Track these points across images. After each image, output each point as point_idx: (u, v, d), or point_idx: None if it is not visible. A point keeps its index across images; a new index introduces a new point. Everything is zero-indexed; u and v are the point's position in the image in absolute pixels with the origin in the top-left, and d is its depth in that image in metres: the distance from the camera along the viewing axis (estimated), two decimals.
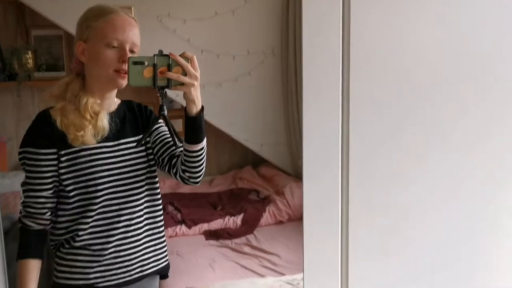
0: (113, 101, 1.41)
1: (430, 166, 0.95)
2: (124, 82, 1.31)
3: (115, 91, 1.40)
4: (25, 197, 1.36)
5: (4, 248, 0.84)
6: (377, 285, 0.93)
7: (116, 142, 1.37)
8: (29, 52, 2.95)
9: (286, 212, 2.78)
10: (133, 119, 1.44)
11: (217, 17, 3.19)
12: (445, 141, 0.94)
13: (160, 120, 1.40)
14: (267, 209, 2.78)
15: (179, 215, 2.74)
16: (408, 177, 0.94)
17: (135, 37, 1.33)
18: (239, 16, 3.22)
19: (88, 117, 1.33)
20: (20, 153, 1.35)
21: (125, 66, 1.28)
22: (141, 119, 1.45)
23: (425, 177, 0.94)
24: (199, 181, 1.41)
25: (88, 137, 1.33)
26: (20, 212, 1.37)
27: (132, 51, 1.32)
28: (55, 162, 1.33)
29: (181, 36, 3.12)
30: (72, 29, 2.94)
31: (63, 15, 2.95)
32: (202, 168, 1.39)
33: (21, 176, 1.43)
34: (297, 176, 3.22)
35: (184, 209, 2.78)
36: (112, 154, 1.37)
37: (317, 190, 0.90)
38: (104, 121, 1.35)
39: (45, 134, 1.33)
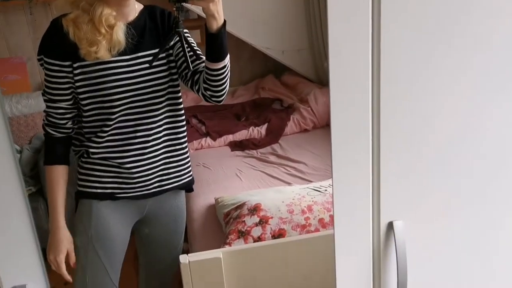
0: (132, 9, 1.33)
1: None
2: None
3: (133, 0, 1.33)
4: (46, 106, 1.36)
5: (20, 168, 0.83)
6: (410, 183, 0.90)
7: (133, 56, 1.32)
8: None
9: (310, 120, 2.75)
10: (154, 29, 1.35)
11: None
12: None
13: (185, 30, 1.32)
14: (291, 118, 2.75)
15: (203, 128, 2.74)
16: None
17: None
18: None
19: (103, 30, 1.27)
20: (38, 60, 1.33)
21: None
22: (162, 29, 1.36)
23: None
24: (222, 100, 1.36)
25: (102, 52, 1.28)
26: (43, 120, 1.38)
27: None
28: (70, 74, 1.30)
29: None
30: None
31: None
32: (226, 87, 1.34)
33: None
34: (321, 82, 3.14)
35: (208, 122, 2.78)
36: (129, 69, 1.33)
37: (345, 96, 0.85)
38: (120, 35, 1.29)
39: (58, 44, 1.28)
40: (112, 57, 1.30)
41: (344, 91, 0.84)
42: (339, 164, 0.87)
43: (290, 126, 2.73)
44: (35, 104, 2.74)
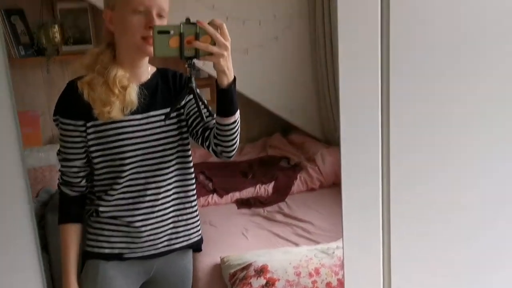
0: (145, 71, 1.38)
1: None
2: (151, 51, 1.27)
3: (146, 60, 1.37)
4: (61, 165, 1.39)
5: (35, 218, 0.85)
6: (420, 252, 0.90)
7: (145, 115, 1.35)
8: (56, 26, 2.95)
9: (317, 179, 2.75)
10: (165, 89, 1.39)
11: None
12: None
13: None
14: (298, 176, 2.76)
15: (210, 184, 2.75)
16: (453, 146, 0.89)
17: (163, 2, 1.28)
18: None
19: (116, 91, 1.31)
20: (54, 120, 1.37)
21: (151, 33, 1.23)
22: (174, 90, 1.40)
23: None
24: (233, 155, 1.37)
25: (115, 112, 1.31)
26: (59, 179, 1.40)
27: (160, 16, 1.27)
28: (84, 133, 1.33)
29: (206, 3, 3.06)
30: (96, 1, 2.93)
31: None
32: (236, 142, 1.35)
33: (55, 149, 1.45)
34: (327, 142, 3.17)
35: (215, 178, 2.79)
36: (140, 128, 1.36)
37: (356, 158, 0.86)
38: (132, 95, 1.32)
39: (73, 105, 1.32)
40: (125, 116, 1.33)
41: (354, 154, 0.85)
42: (350, 231, 0.87)
43: (297, 185, 2.73)
44: (45, 157, 2.78)
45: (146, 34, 1.27)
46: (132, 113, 1.34)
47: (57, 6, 3.09)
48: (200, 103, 1.32)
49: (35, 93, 2.99)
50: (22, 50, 2.93)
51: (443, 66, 0.85)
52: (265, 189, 2.70)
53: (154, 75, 1.41)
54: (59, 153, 1.38)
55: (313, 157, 2.90)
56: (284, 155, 3.13)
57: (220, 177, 2.82)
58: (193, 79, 1.28)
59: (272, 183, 2.73)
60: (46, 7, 3.04)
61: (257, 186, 2.71)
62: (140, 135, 1.36)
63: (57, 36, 2.93)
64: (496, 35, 0.86)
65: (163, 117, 1.37)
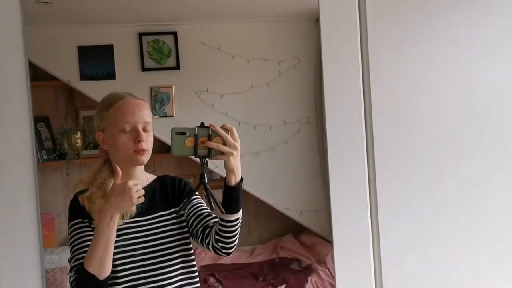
0: (142, 179, 1.48)
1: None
2: (143, 159, 1.40)
3: (141, 168, 1.48)
4: (74, 272, 1.41)
5: None
6: None
7: (144, 218, 1.43)
8: (78, 132, 3.14)
9: (328, 282, 2.72)
10: (164, 193, 1.50)
11: (252, 90, 3.32)
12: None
13: (197, 193, 1.46)
14: (309, 279, 2.73)
15: (220, 287, 2.72)
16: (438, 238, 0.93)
17: (146, 116, 1.43)
18: (274, 88, 3.34)
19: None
20: (68, 228, 1.43)
21: (141, 145, 1.37)
22: (172, 192, 1.51)
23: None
24: (231, 252, 1.43)
25: None
26: (70, 277, 1.41)
27: (145, 130, 1.41)
28: (91, 232, 1.39)
29: (219, 110, 3.25)
30: None
31: None
32: (236, 239, 1.42)
33: (68, 250, 1.50)
34: None
35: (226, 281, 2.77)
36: (140, 229, 1.43)
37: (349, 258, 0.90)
38: None
39: (78, 210, 1.41)
40: (124, 221, 1.41)
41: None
42: None
43: None
44: (57, 260, 2.80)
45: (136, 148, 1.41)
46: (131, 217, 1.42)
47: (80, 114, 3.31)
48: (212, 200, 1.40)
49: (54, 195, 3.10)
50: (44, 154, 3.10)
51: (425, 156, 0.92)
52: None
53: (153, 182, 1.52)
54: (70, 259, 1.43)
55: (324, 259, 2.88)
56: (295, 257, 3.12)
57: (230, 279, 2.79)
58: (205, 175, 1.40)
59: (283, 286, 2.70)
60: (70, 115, 3.26)
61: None
62: (139, 236, 1.42)
63: (79, 142, 3.11)
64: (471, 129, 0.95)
65: (162, 219, 1.45)
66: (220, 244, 1.39)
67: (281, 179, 3.32)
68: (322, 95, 3.26)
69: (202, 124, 1.36)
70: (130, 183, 1.28)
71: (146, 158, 1.42)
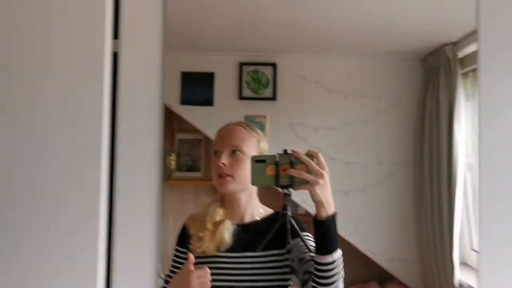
0: (250, 212, 1.41)
1: None
2: (226, 185, 1.33)
3: (247, 200, 1.42)
4: None
5: None
6: None
7: (239, 254, 1.36)
8: (173, 154, 3.23)
9: None
10: (269, 231, 1.40)
11: (348, 126, 3.22)
12: None
13: (307, 233, 1.35)
14: None
15: None
16: None
17: (236, 140, 1.37)
18: (370, 126, 3.22)
19: (209, 226, 1.36)
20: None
21: (221, 169, 1.32)
22: (278, 231, 1.41)
23: None
24: None
25: (205, 247, 1.36)
26: None
27: (234, 153, 1.35)
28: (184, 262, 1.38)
29: (312, 144, 3.18)
30: (211, 134, 3.20)
31: (204, 121, 3.23)
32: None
33: None
34: None
35: None
36: (231, 265, 1.36)
37: None
38: (225, 234, 1.35)
39: (182, 235, 1.40)
40: (219, 252, 1.36)
41: None
42: None
43: None
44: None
45: (218, 172, 1.36)
46: (227, 251, 1.36)
47: (176, 136, 3.41)
48: (305, 240, 1.31)
49: None
50: None
51: None
52: None
53: (265, 218, 1.42)
54: (165, 281, 1.42)
55: None
56: None
57: None
58: (288, 207, 1.30)
59: None
60: (167, 137, 3.37)
61: None
62: (232, 273, 1.36)
63: (173, 164, 3.19)
64: None
65: (258, 259, 1.37)
66: None
67: (371, 221, 3.15)
68: (423, 138, 3.09)
69: (285, 151, 1.26)
70: (195, 275, 1.23)
71: (230, 185, 1.35)
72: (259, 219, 1.41)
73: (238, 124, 1.45)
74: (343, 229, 3.18)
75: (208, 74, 3.16)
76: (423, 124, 3.09)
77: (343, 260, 3.16)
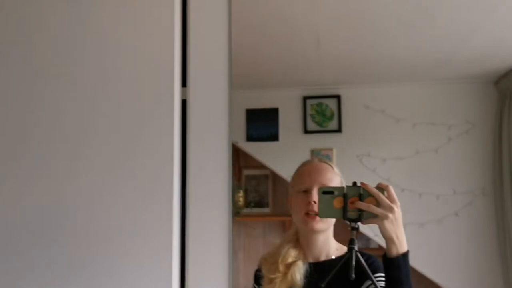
0: (326, 250, 1.36)
1: None
2: (315, 224, 1.29)
3: (324, 238, 1.37)
4: None
5: None
6: None
7: None
8: (241, 191, 3.26)
9: None
10: (344, 270, 1.33)
11: (418, 155, 3.11)
12: None
13: (381, 274, 1.27)
14: None
15: None
16: None
17: (324, 179, 1.32)
18: (442, 154, 3.09)
19: (281, 268, 1.33)
20: None
21: (312, 208, 1.28)
22: (356, 272, 1.33)
23: None
24: None
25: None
26: None
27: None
28: None
29: (381, 175, 3.10)
30: (277, 169, 3.20)
31: (270, 156, 3.25)
32: None
33: None
34: None
35: None
36: None
37: None
38: (296, 275, 1.31)
39: (257, 275, 1.39)
40: None
41: None
42: None
43: None
44: None
45: (307, 209, 1.31)
46: None
47: (243, 173, 3.45)
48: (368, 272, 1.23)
49: None
50: None
51: None
52: None
53: (340, 257, 1.36)
54: None
55: None
56: None
57: None
58: (355, 241, 1.23)
59: None
60: (234, 173, 3.41)
61: None
62: None
63: (241, 200, 3.22)
64: None
65: None
66: None
67: (450, 254, 2.98)
68: (501, 164, 2.91)
69: (354, 183, 1.20)
70: None
71: (319, 224, 1.31)
72: (334, 257, 1.35)
73: (323, 161, 1.43)
74: (420, 264, 3.03)
75: (272, 110, 3.19)
76: (500, 149, 2.92)
77: None
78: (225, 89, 1.02)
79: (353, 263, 1.18)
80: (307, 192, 1.33)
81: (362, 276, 1.22)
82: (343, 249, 1.36)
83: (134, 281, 0.94)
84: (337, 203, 1.16)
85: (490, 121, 3.05)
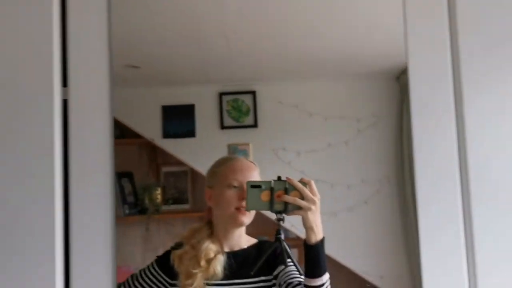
0: (240, 241, 1.44)
1: None
2: (244, 219, 1.36)
3: (241, 231, 1.44)
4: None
5: None
6: None
7: (228, 281, 1.38)
8: (159, 188, 3.24)
9: None
10: (257, 258, 1.43)
11: (330, 148, 3.26)
12: None
13: (289, 261, 1.37)
14: None
15: None
16: None
17: (254, 177, 1.41)
18: (352, 146, 3.26)
19: (202, 263, 1.37)
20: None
21: (244, 204, 1.34)
22: (266, 258, 1.42)
23: None
24: None
25: (196, 283, 1.36)
26: None
27: None
28: (160, 286, 1.37)
29: (296, 167, 3.21)
30: (196, 165, 3.22)
31: (188, 153, 3.26)
32: None
33: None
34: None
35: None
36: None
37: None
38: (217, 268, 1.37)
39: (164, 264, 1.41)
40: (209, 286, 1.37)
41: None
42: None
43: None
44: None
45: (239, 205, 1.39)
46: (216, 280, 1.38)
47: (161, 170, 3.42)
48: (290, 261, 1.32)
49: (132, 249, 3.17)
50: (126, 209, 3.21)
51: None
52: None
53: (251, 246, 1.46)
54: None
55: None
56: None
57: None
58: (281, 231, 1.33)
59: None
60: (152, 171, 3.38)
61: None
62: None
63: (159, 198, 3.20)
64: None
65: (247, 286, 1.38)
66: None
67: (361, 241, 3.16)
68: (403, 153, 3.14)
69: (279, 177, 1.31)
70: None
71: (246, 219, 1.39)
72: (246, 247, 1.44)
73: (251, 161, 1.52)
74: (334, 251, 3.19)
75: (188, 106, 3.20)
76: (401, 140, 3.14)
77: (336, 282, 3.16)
78: (106, 87, 1.04)
79: (288, 251, 1.29)
80: (238, 188, 1.39)
81: (277, 261, 1.33)
82: (251, 239, 1.44)
83: (17, 279, 0.93)
84: (265, 196, 1.26)
85: (394, 115, 3.26)
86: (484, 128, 0.84)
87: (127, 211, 3.21)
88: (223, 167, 1.45)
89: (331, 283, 3.38)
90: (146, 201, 3.23)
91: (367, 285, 2.98)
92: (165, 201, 3.29)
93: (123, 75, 2.67)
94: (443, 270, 0.79)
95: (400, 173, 3.11)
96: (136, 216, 3.21)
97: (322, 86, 3.30)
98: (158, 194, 3.23)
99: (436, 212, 0.82)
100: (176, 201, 3.36)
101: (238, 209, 1.37)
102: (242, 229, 1.44)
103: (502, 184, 0.85)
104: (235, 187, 1.39)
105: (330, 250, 3.21)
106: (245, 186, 1.38)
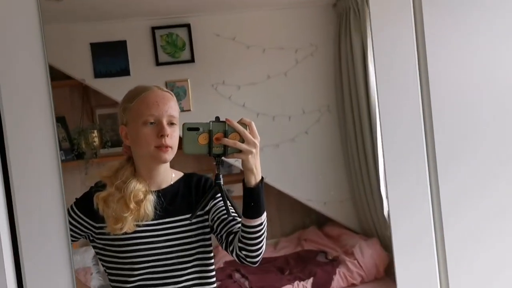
0: (166, 177, 1.38)
1: None
2: (166, 156, 1.29)
3: (165, 166, 1.39)
4: None
5: None
6: None
7: (160, 221, 1.34)
8: (95, 131, 3.10)
9: (358, 274, 2.64)
10: (187, 194, 1.39)
11: (270, 80, 3.24)
12: None
13: (218, 195, 1.35)
14: (337, 271, 2.65)
15: (247, 283, 2.66)
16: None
17: (172, 110, 1.32)
18: (291, 77, 3.26)
19: (131, 206, 1.32)
20: (68, 210, 1.35)
21: (164, 141, 1.26)
22: (196, 194, 1.40)
23: None
24: (258, 261, 1.32)
25: (126, 227, 1.31)
26: None
27: (171, 124, 1.31)
28: (89, 232, 1.32)
29: (236, 102, 3.18)
30: None
31: (123, 92, 3.11)
32: (261, 247, 1.32)
33: (91, 251, 1.44)
34: (365, 234, 3.07)
35: (252, 276, 2.70)
36: (153, 234, 1.34)
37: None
38: (148, 208, 1.32)
39: (88, 208, 1.34)
40: (139, 227, 1.33)
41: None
42: None
43: (337, 280, 2.62)
44: (81, 260, 2.76)
45: (159, 143, 1.30)
46: (148, 221, 1.34)
47: (96, 112, 3.27)
48: (228, 203, 1.31)
49: (73, 194, 3.07)
50: (62, 155, 3.06)
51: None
52: (304, 285, 2.60)
53: (177, 181, 1.41)
54: None
55: (351, 250, 2.81)
56: (321, 249, 3.04)
57: (256, 275, 2.73)
58: (221, 176, 1.29)
59: (311, 280, 2.63)
60: (86, 114, 3.22)
61: (295, 283, 2.61)
62: (152, 241, 1.34)
63: (96, 141, 3.07)
64: None
65: (179, 223, 1.36)
66: (244, 252, 1.29)
67: (303, 170, 3.24)
68: (341, 82, 3.18)
69: (217, 118, 1.22)
70: None
71: (169, 155, 1.31)
72: (172, 183, 1.39)
73: (166, 91, 1.38)
74: (278, 182, 3.26)
75: (119, 43, 3.01)
76: (340, 69, 3.17)
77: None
78: (36, 23, 0.93)
79: (227, 197, 1.25)
80: (157, 123, 1.31)
81: (202, 197, 1.31)
82: (177, 172, 1.41)
83: None
84: (202, 139, 1.18)
85: (331, 43, 3.26)
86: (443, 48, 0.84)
87: (63, 158, 3.06)
88: (136, 102, 1.30)
89: (276, 213, 3.50)
90: (83, 145, 3.09)
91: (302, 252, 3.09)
92: (103, 144, 3.16)
93: (44, 9, 2.45)
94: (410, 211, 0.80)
95: (340, 102, 3.16)
96: (74, 162, 3.07)
97: (259, 17, 3.21)
98: (94, 137, 3.09)
99: (400, 149, 0.82)
100: (115, 143, 3.24)
101: (158, 147, 1.28)
102: (166, 164, 1.37)
103: (466, 117, 0.86)
104: (152, 123, 1.28)
105: (274, 181, 3.29)
106: (163, 121, 1.29)
